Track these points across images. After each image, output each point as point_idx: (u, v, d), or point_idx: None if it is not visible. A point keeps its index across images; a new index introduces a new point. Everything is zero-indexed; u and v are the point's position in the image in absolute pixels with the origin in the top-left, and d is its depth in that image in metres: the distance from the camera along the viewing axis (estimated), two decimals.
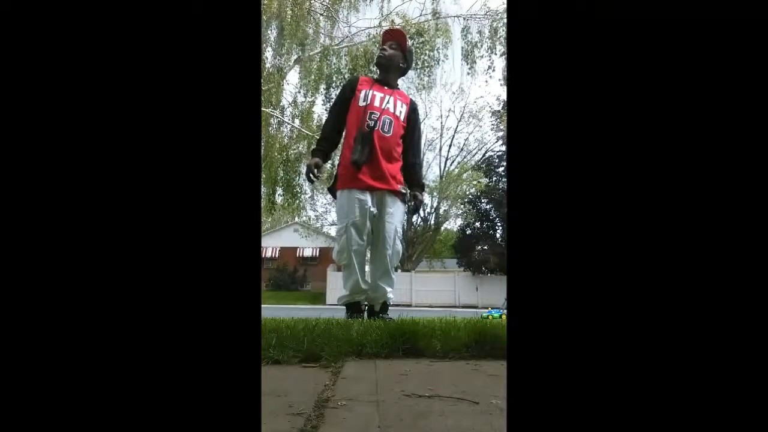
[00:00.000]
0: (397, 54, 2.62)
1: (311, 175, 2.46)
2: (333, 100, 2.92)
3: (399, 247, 2.53)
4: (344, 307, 2.54)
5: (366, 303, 2.52)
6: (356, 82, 2.63)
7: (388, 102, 2.55)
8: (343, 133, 2.57)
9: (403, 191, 2.55)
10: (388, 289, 2.49)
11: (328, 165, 2.81)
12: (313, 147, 2.58)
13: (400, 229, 2.54)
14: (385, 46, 2.64)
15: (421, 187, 2.69)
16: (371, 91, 2.54)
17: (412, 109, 2.64)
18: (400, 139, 2.56)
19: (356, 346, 1.38)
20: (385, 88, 2.59)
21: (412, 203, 2.62)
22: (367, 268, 2.53)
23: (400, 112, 2.57)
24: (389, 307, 2.55)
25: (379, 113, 2.49)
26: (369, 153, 2.42)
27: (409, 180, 2.61)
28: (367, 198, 2.42)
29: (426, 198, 19.35)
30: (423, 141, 2.81)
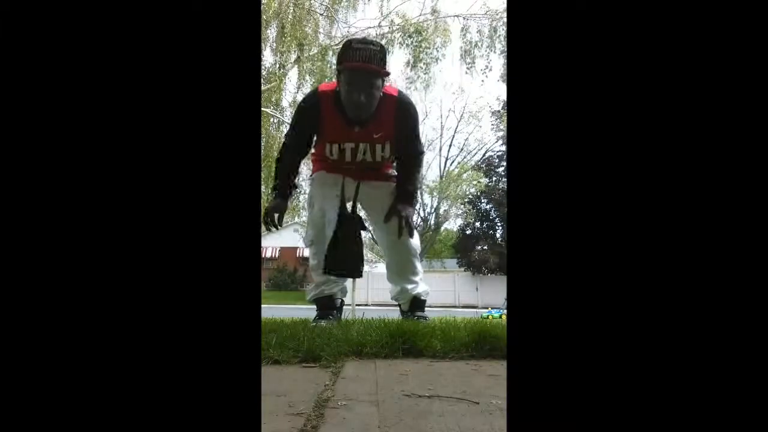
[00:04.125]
0: (379, 91, 1.88)
1: (270, 222, 1.95)
2: (292, 131, 2.12)
3: (415, 241, 2.13)
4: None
5: (341, 298, 2.18)
6: (317, 123, 1.96)
7: (365, 152, 1.96)
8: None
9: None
10: (411, 285, 2.14)
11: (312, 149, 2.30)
12: (273, 184, 2.10)
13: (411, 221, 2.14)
14: (363, 86, 1.81)
15: (409, 195, 2.05)
16: (337, 146, 1.95)
17: (398, 110, 1.95)
18: (393, 164, 2.13)
19: (356, 346, 1.38)
20: (356, 129, 1.92)
21: (400, 218, 1.99)
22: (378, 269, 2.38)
23: (383, 156, 2.01)
24: (425, 303, 2.17)
25: (356, 182, 2.04)
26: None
27: (398, 183, 2.08)
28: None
29: (426, 198, 19.36)
30: (422, 134, 2.27)
